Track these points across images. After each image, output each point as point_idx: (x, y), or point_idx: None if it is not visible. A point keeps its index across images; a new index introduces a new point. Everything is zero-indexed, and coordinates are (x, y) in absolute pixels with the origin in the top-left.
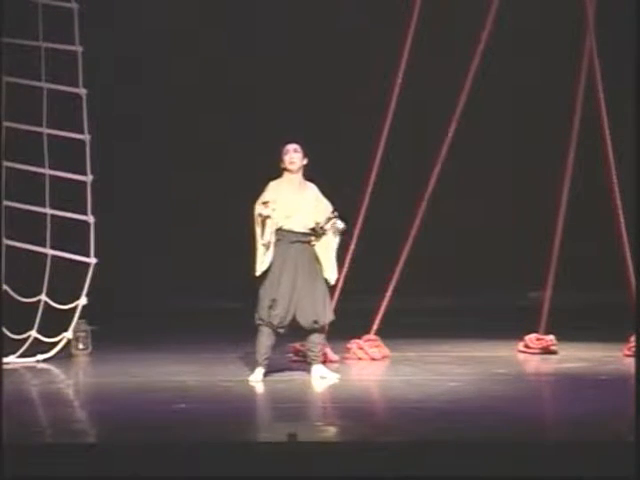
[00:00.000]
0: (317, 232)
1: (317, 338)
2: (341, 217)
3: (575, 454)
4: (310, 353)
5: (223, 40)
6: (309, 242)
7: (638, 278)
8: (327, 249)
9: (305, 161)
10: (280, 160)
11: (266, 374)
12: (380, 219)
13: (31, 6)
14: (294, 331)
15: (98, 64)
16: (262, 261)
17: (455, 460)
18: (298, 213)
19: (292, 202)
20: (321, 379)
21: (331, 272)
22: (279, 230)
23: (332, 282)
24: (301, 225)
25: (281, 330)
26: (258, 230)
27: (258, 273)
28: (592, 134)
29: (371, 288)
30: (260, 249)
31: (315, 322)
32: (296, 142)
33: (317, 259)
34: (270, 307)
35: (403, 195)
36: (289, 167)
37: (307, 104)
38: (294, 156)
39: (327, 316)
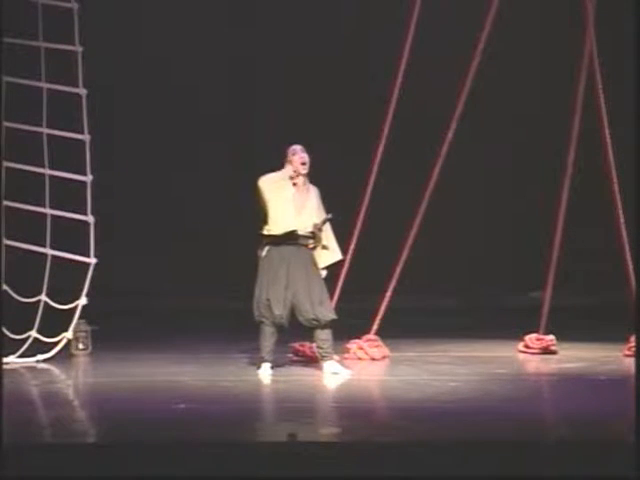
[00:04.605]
0: (316, 235)
1: (324, 335)
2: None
3: (575, 454)
4: (320, 350)
5: (223, 40)
6: (306, 245)
7: (638, 278)
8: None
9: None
10: (286, 161)
11: None
12: (380, 219)
13: (31, 6)
14: (294, 331)
15: (98, 64)
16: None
17: (455, 460)
18: (299, 215)
19: (295, 204)
20: (333, 375)
21: (336, 252)
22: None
23: (341, 256)
24: (301, 227)
25: (283, 325)
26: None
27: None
28: (592, 133)
29: (371, 288)
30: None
31: (315, 319)
32: (296, 142)
33: (313, 260)
34: (269, 306)
35: (403, 195)
36: (301, 169)
37: (307, 104)
38: (304, 156)
39: (326, 313)
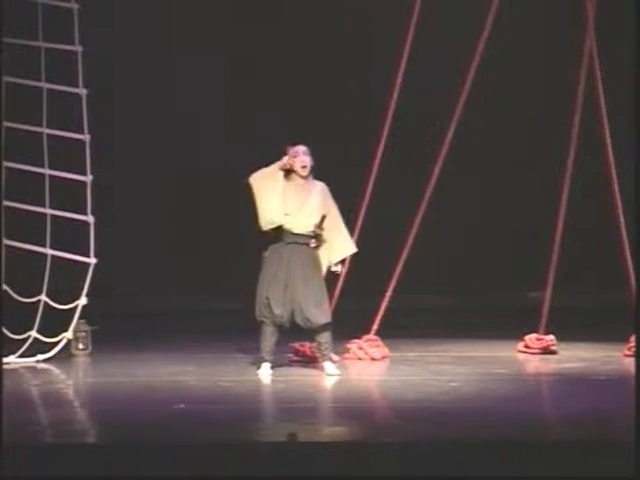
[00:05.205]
0: (317, 234)
1: (321, 336)
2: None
3: (575, 454)
4: (317, 352)
5: (224, 39)
6: (307, 244)
7: (638, 278)
8: (334, 225)
9: (312, 162)
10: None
11: None
12: (380, 219)
13: (31, 6)
14: (295, 331)
15: (98, 64)
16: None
17: (455, 460)
18: (298, 215)
19: (294, 203)
20: (328, 376)
21: (349, 244)
22: (278, 228)
23: (355, 249)
24: (301, 227)
25: (284, 326)
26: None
27: (265, 227)
28: (592, 133)
29: (371, 288)
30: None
31: (308, 321)
32: (296, 141)
33: (315, 261)
34: (268, 305)
35: (403, 195)
36: (301, 172)
37: (307, 104)
38: (305, 159)
39: (319, 316)
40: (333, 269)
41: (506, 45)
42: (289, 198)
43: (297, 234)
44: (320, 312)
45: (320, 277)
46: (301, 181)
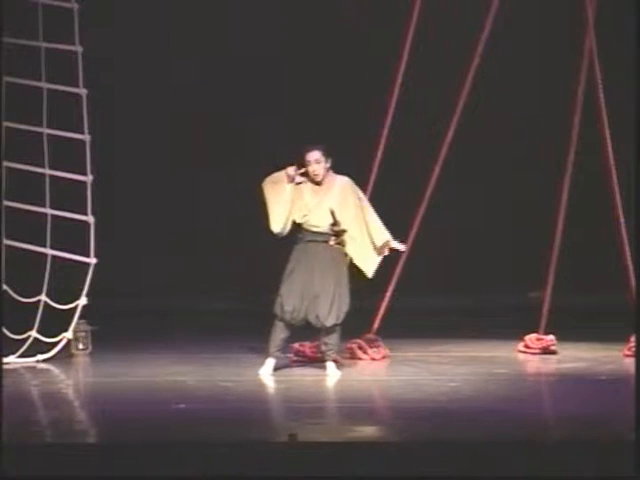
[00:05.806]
0: (337, 232)
1: (329, 339)
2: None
3: (575, 454)
4: (321, 351)
5: (224, 40)
6: (326, 241)
7: (638, 278)
8: (366, 214)
9: (328, 163)
10: (302, 163)
11: None
12: (380, 218)
13: (31, 6)
14: (295, 331)
15: (98, 64)
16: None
17: (455, 460)
18: (315, 213)
19: (310, 202)
20: (328, 376)
21: (382, 234)
22: (298, 227)
23: (387, 238)
24: (319, 225)
25: (294, 324)
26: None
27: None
28: (592, 134)
29: (371, 288)
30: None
31: (317, 319)
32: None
33: (334, 258)
34: (281, 302)
35: (403, 195)
36: (315, 179)
37: (306, 104)
38: (316, 167)
39: (328, 318)
40: (397, 247)
41: (506, 45)
42: (306, 198)
43: (316, 232)
44: (331, 312)
45: (341, 276)
46: (311, 186)
